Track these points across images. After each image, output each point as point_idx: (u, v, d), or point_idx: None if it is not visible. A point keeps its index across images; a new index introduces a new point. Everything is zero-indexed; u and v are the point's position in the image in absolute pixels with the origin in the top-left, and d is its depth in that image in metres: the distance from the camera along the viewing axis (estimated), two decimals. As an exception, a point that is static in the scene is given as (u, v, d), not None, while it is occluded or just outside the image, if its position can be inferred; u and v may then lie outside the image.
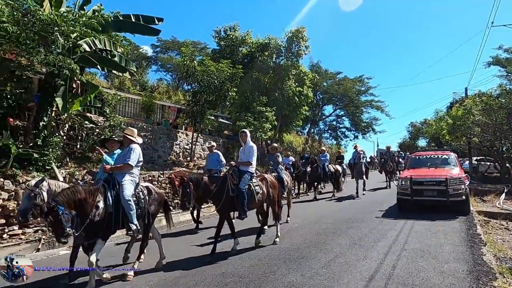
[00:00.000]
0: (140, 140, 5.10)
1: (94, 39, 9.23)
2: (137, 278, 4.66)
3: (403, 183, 9.29)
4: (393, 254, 5.34)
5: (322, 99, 35.35)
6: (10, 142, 7.68)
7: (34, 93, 9.89)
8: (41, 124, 8.73)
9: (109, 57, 9.86)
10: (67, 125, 10.07)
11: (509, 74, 17.32)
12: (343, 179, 16.37)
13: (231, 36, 19.92)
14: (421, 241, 6.12)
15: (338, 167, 14.87)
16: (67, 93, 8.50)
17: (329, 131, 38.69)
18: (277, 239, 6.39)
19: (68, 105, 8.76)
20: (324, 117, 37.69)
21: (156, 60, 36.11)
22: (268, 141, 21.39)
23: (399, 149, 40.04)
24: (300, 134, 34.26)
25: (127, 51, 11.52)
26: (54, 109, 9.04)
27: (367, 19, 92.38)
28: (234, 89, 15.26)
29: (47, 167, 8.30)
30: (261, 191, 6.07)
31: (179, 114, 16.82)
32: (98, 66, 9.55)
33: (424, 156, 10.97)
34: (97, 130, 10.91)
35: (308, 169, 13.61)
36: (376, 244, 5.98)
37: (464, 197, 8.60)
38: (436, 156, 10.69)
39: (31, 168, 8.06)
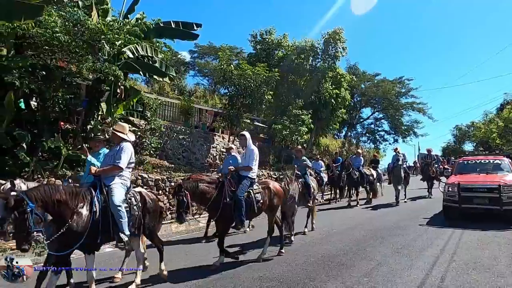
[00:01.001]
0: (132, 138, 4.55)
1: (137, 46, 9.64)
2: (173, 279, 4.69)
3: (450, 189, 8.73)
4: (441, 265, 5.01)
5: (359, 102, 34.45)
6: (61, 144, 8.18)
7: (82, 98, 10.49)
8: (88, 127, 9.24)
9: (150, 63, 10.25)
10: (111, 128, 10.55)
11: None
12: (378, 185, 15.45)
13: (267, 39, 20.00)
14: (472, 252, 5.70)
15: (373, 172, 14.04)
16: (111, 98, 8.92)
17: (367, 134, 37.57)
18: (263, 256, 5.60)
19: (112, 109, 9.20)
20: (362, 120, 36.71)
21: (193, 65, 37.16)
22: (304, 145, 21.17)
23: (441, 155, 37.89)
24: (337, 137, 33.53)
25: (167, 56, 11.93)
26: (100, 113, 9.53)
27: (406, 18, 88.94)
28: (270, 92, 15.26)
29: (93, 168, 8.74)
30: (262, 200, 5.51)
31: (215, 117, 17.10)
32: (141, 72, 9.93)
33: (473, 161, 10.26)
34: (139, 133, 11.33)
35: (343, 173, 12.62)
36: (422, 254, 5.65)
37: (520, 205, 7.91)
38: (487, 161, 9.93)
39: (79, 169, 8.53)
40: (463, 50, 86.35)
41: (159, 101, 12.22)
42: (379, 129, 37.31)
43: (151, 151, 11.42)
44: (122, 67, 9.41)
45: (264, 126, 20.58)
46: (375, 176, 14.09)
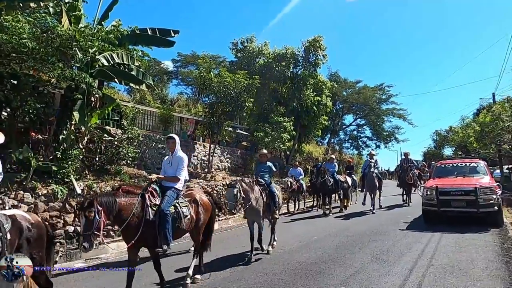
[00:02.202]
0: (1, 139, 3.77)
1: (112, 53, 9.43)
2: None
3: (428, 193, 8.78)
4: (419, 269, 4.95)
5: (341, 109, 34.84)
6: (30, 155, 7.83)
7: (56, 108, 10.15)
8: (60, 137, 8.90)
9: (127, 70, 10.03)
10: (86, 138, 10.21)
11: (540, 78, 16.46)
12: (353, 192, 15.27)
13: (248, 47, 20.00)
14: (450, 255, 5.68)
15: (348, 179, 13.75)
16: (84, 106, 8.63)
17: (350, 140, 38.00)
18: (188, 281, 4.70)
19: (86, 118, 8.89)
20: (344, 126, 37.08)
21: (177, 74, 36.98)
22: (287, 152, 21.13)
23: (422, 160, 38.66)
24: (320, 144, 33.73)
25: (145, 64, 11.71)
26: (73, 122, 9.21)
27: (383, 26, 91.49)
28: (251, 99, 15.17)
29: (66, 179, 8.40)
30: (189, 215, 4.74)
31: (197, 126, 16.88)
32: (116, 80, 9.68)
33: (451, 164, 10.40)
34: (116, 143, 11.03)
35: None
36: (400, 259, 5.59)
37: (496, 207, 8.01)
38: (464, 164, 10.09)
39: (50, 181, 8.18)
40: (441, 58, 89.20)
41: (136, 110, 11.93)
42: (362, 135, 37.84)
43: (128, 161, 11.10)
44: (97, 75, 9.16)
45: (247, 134, 20.46)
46: (350, 183, 13.82)
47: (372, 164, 11.96)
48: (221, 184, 12.40)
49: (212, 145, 15.05)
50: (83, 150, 9.90)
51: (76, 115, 8.39)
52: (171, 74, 37.53)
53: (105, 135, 10.83)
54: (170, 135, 5.10)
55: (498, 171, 20.08)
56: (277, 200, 6.76)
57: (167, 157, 5.09)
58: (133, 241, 4.09)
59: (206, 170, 14.58)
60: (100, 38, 8.95)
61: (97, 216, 3.78)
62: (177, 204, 4.64)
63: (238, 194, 5.63)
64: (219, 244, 7.02)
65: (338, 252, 6.30)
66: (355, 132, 37.84)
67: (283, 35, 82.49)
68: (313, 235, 8.10)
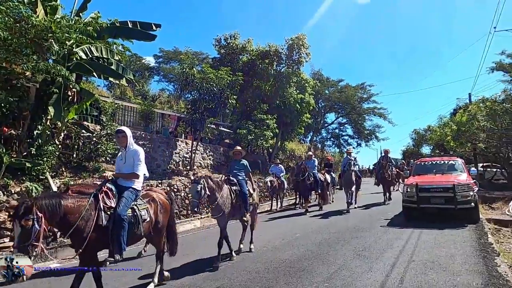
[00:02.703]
0: None
1: (91, 46, 9.11)
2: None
3: (408, 190, 8.93)
4: (401, 265, 4.99)
5: (324, 107, 35.25)
6: (2, 151, 7.47)
7: (30, 102, 9.73)
8: (35, 133, 8.53)
9: (106, 64, 9.71)
10: (62, 134, 9.84)
11: (513, 79, 17.10)
12: (333, 190, 15.19)
13: (232, 44, 19.83)
14: (430, 251, 5.77)
15: (327, 176, 13.77)
16: (61, 101, 8.30)
17: (332, 139, 38.58)
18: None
19: (63, 114, 8.55)
20: (326, 125, 37.55)
21: (158, 70, 36.41)
22: (270, 149, 21.12)
23: (402, 158, 39.53)
24: (303, 142, 33.97)
25: (125, 59, 11.40)
26: (48, 117, 8.85)
27: (365, 26, 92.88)
28: (234, 96, 15.05)
29: (41, 176, 8.07)
30: (148, 218, 4.24)
31: (179, 122, 16.60)
32: (95, 74, 9.36)
33: (430, 162, 10.62)
34: (94, 139, 10.68)
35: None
36: (382, 255, 5.63)
37: (473, 204, 8.22)
38: (442, 162, 10.33)
39: (24, 178, 7.83)
40: (421, 58, 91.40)
41: (116, 105, 11.59)
42: (343, 133, 38.48)
43: (108, 158, 10.79)
44: (74, 68, 8.82)
45: (230, 131, 20.33)
46: (329, 180, 13.78)
47: (352, 162, 11.77)
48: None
49: (194, 142, 14.84)
50: (60, 146, 9.54)
51: (51, 109, 8.06)
52: (153, 70, 36.95)
53: (83, 131, 10.48)
54: (119, 128, 4.53)
55: (473, 169, 20.74)
56: (248, 201, 6.17)
57: (120, 153, 4.47)
58: (80, 250, 3.51)
59: (188, 167, 14.37)
60: (78, 30, 8.62)
61: (36, 225, 3.12)
62: (135, 207, 4.10)
63: (203, 191, 5.19)
64: (201, 241, 6.91)
65: (321, 249, 6.30)
66: (337, 131, 38.47)
67: (266, 32, 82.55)
68: (295, 232, 8.09)
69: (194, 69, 14.10)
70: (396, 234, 7.36)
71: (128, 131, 4.33)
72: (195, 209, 5.23)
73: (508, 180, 18.98)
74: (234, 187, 6.00)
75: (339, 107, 35.14)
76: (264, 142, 17.29)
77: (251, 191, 6.47)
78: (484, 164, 23.08)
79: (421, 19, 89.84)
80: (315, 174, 12.24)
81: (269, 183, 12.32)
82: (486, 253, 5.54)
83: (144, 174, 4.40)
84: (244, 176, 6.44)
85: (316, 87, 24.84)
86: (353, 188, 11.77)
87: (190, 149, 14.92)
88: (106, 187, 3.93)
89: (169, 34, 59.30)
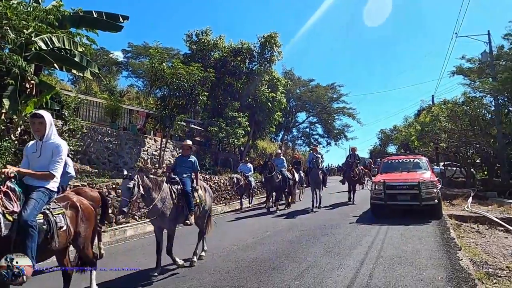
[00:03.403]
0: None
1: (52, 36, 8.56)
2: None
3: (376, 187, 9.14)
4: (370, 262, 5.05)
5: (295, 106, 35.60)
6: None
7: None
8: (-12, 126, 7.91)
9: (68, 56, 9.17)
10: (19, 129, 9.20)
11: (472, 82, 18.06)
12: (302, 189, 15.16)
13: (203, 40, 19.51)
14: (397, 247, 5.90)
15: (296, 174, 13.67)
16: (17, 93, 7.73)
17: (303, 137, 39.15)
18: None
19: (20, 107, 7.99)
20: (297, 124, 38.00)
21: (127, 65, 35.23)
22: (242, 148, 21.02)
23: (369, 157, 40.83)
24: (274, 140, 34.17)
25: (90, 51, 10.85)
26: (3, 111, 8.22)
27: (334, 28, 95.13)
28: (205, 93, 14.80)
29: (-6, 174, 7.47)
30: (65, 226, 3.42)
31: (147, 119, 16.10)
32: (56, 65, 8.82)
33: (396, 160, 10.95)
34: (55, 135, 10.08)
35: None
36: (352, 252, 5.69)
37: (436, 200, 8.56)
38: (408, 160, 10.69)
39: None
40: (388, 60, 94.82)
41: (79, 100, 11.00)
42: (314, 132, 39.17)
43: (70, 155, 10.20)
44: (32, 59, 8.27)
45: (201, 129, 20.01)
46: (297, 179, 13.71)
47: (319, 160, 11.50)
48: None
49: (163, 140, 14.45)
50: (16, 142, 8.90)
51: (6, 102, 7.50)
52: (121, 65, 35.75)
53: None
54: (36, 112, 3.53)
55: (436, 167, 21.73)
56: (192, 202, 5.40)
57: (31, 143, 3.56)
58: None
59: (157, 165, 13.97)
60: (37, 18, 8.08)
61: None
62: (47, 211, 3.30)
63: (135, 189, 4.50)
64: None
65: (292, 246, 6.27)
66: (307, 130, 39.11)
67: (238, 30, 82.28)
68: (266, 230, 8.04)
69: (164, 64, 13.70)
70: (365, 230, 7.49)
71: (47, 116, 3.45)
72: (124, 209, 4.40)
73: (466, 178, 20.05)
74: (176, 186, 5.34)
75: (310, 107, 35.62)
76: (235, 140, 17.18)
77: (201, 191, 5.80)
78: (445, 163, 24.27)
79: (389, 22, 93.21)
80: (283, 172, 11.99)
81: (235, 180, 12.12)
82: (449, 247, 5.74)
83: (69, 174, 3.86)
84: (190, 175, 5.73)
85: (287, 86, 25.00)
86: (320, 186, 11.58)
87: (159, 147, 14.52)
88: (6, 186, 3.07)
89: (139, 29, 57.64)
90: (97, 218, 4.31)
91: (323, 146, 38.09)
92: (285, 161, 12.86)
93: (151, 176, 5.10)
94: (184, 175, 5.58)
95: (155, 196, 4.82)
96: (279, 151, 14.38)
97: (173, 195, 5.16)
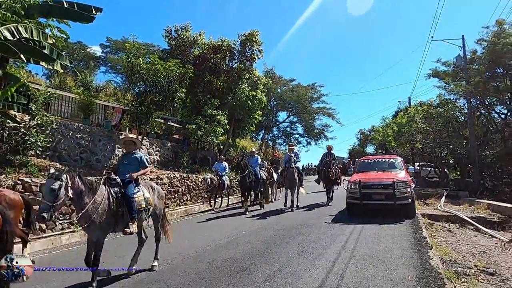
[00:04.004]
0: None
1: (18, 26, 8.10)
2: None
3: (352, 187, 9.18)
4: (342, 261, 5.02)
5: (276, 105, 35.65)
6: None
7: None
8: None
9: (37, 47, 8.72)
10: (-18, 122, 8.72)
11: (447, 85, 18.57)
12: (278, 189, 14.68)
13: (183, 36, 19.13)
14: (370, 246, 5.91)
15: (274, 174, 13.50)
16: (-22, 85, 7.28)
17: (283, 137, 39.20)
18: None
19: (-18, 100, 7.55)
20: (278, 123, 38.06)
21: (105, 60, 34.35)
22: (221, 146, 20.79)
23: (348, 157, 41.46)
24: (254, 139, 34.08)
25: (61, 43, 10.39)
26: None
27: (317, 30, 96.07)
28: (184, 90, 14.50)
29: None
30: None
31: (123, 115, 15.62)
32: (22, 56, 8.35)
33: (372, 160, 11.06)
34: (22, 130, 9.58)
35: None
36: (325, 252, 5.65)
37: (410, 200, 8.68)
38: (384, 160, 10.81)
39: None
40: (367, 61, 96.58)
41: (49, 94, 10.50)
42: (294, 132, 39.33)
43: (38, 151, 9.76)
44: (-4, 49, 7.79)
45: (179, 126, 19.65)
46: (275, 178, 13.42)
47: (293, 159, 11.08)
48: (148, 178, 11.59)
49: (139, 137, 14.04)
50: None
51: (-35, 94, 7.03)
52: (99, 60, 34.84)
53: (8, 120, 9.33)
54: None
55: (411, 167, 22.23)
56: (135, 208, 4.67)
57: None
58: None
59: (132, 163, 13.57)
60: (2, 5, 7.62)
61: None
62: None
63: (62, 191, 3.82)
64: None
65: (266, 246, 6.18)
66: (288, 129, 39.22)
67: (218, 27, 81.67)
68: (241, 230, 7.92)
69: (140, 59, 13.31)
70: (340, 229, 7.49)
71: None
72: (44, 215, 3.64)
73: (440, 178, 20.63)
74: (115, 189, 4.63)
75: (290, 106, 35.72)
76: (214, 138, 16.92)
77: (147, 194, 5.02)
78: (420, 163, 24.91)
79: (368, 24, 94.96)
80: (257, 172, 11.57)
81: (209, 180, 11.83)
82: (420, 246, 5.80)
83: None
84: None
85: (268, 85, 24.94)
86: (295, 186, 11.16)
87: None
88: None
89: (119, 24, 56.22)
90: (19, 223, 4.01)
91: (303, 146, 38.35)
92: (259, 159, 12.46)
93: (86, 178, 4.44)
94: (128, 174, 4.85)
95: (87, 201, 4.16)
96: (254, 149, 13.89)
97: (111, 199, 4.48)
